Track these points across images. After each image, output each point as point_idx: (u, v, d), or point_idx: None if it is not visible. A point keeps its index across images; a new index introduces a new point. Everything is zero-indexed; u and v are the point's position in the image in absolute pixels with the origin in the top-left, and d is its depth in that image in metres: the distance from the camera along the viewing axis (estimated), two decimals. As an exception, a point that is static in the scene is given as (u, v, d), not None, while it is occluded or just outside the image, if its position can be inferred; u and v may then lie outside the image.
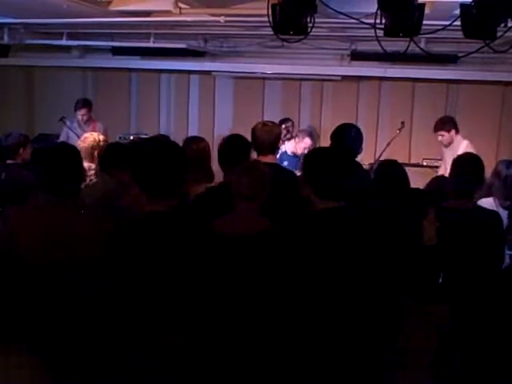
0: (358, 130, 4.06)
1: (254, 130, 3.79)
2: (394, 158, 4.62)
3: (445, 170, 6.01)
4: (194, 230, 2.24)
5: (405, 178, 3.66)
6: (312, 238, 2.47)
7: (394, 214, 3.13)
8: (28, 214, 2.93)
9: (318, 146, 7.47)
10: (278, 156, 4.41)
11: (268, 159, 3.67)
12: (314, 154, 2.82)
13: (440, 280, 3.03)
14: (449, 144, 5.99)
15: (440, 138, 5.96)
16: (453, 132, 5.93)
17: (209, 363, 2.07)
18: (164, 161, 2.24)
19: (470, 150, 5.85)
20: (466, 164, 3.41)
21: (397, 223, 3.01)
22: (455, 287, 3.00)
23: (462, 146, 5.91)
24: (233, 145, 3.70)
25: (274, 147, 3.78)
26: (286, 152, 6.50)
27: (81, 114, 6.62)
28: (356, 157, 3.98)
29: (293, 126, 7.19)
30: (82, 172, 3.21)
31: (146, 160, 2.27)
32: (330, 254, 2.42)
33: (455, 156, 5.80)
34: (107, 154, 3.97)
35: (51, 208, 2.86)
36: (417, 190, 3.92)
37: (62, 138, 6.64)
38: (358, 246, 2.46)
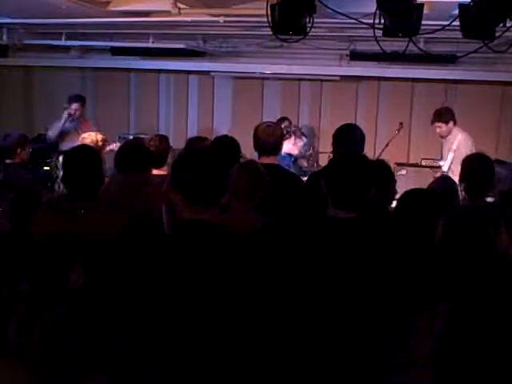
0: (361, 130, 4.06)
1: (256, 131, 3.77)
2: (393, 158, 4.64)
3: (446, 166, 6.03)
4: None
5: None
6: (318, 243, 2.47)
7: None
8: (46, 215, 2.96)
9: (315, 146, 7.51)
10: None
11: (269, 160, 3.66)
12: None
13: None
14: (446, 136, 5.99)
15: (438, 129, 5.96)
16: (451, 124, 5.92)
17: (210, 365, 2.07)
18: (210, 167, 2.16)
19: (465, 144, 5.89)
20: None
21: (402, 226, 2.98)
22: (458, 286, 2.98)
23: (457, 140, 5.91)
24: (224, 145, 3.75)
25: (275, 148, 3.77)
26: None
27: (73, 108, 6.47)
28: (358, 157, 3.98)
29: (290, 125, 7.20)
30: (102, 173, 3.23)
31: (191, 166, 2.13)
32: (332, 258, 2.42)
33: (451, 150, 5.89)
34: (122, 154, 3.92)
35: (70, 208, 2.90)
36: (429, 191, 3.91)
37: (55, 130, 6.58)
38: (363, 252, 2.46)
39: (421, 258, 2.74)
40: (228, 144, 3.91)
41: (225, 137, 4.17)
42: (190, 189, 2.09)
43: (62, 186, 3.93)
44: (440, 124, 5.92)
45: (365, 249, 2.46)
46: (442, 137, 6.01)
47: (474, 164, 3.51)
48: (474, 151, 5.71)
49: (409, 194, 3.09)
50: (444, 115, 5.93)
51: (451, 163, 5.82)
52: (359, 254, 2.44)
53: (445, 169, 5.86)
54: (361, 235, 2.50)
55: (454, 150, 5.87)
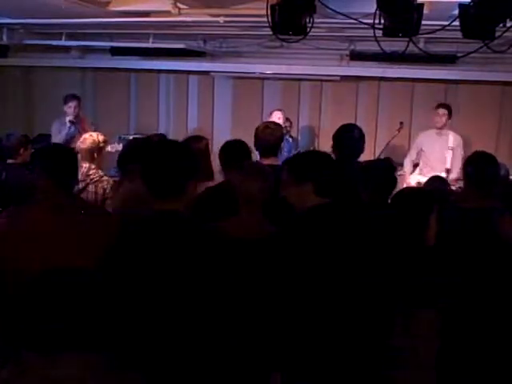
0: (361, 130, 4.06)
1: (256, 132, 3.79)
2: (393, 158, 4.64)
3: (405, 157, 6.29)
4: (201, 230, 2.21)
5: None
6: (309, 234, 2.47)
7: (395, 213, 3.11)
8: (22, 215, 2.90)
9: (317, 146, 7.51)
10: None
11: (270, 161, 3.67)
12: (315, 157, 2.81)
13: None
14: (441, 126, 6.16)
15: (438, 118, 6.15)
16: (449, 118, 6.17)
17: (210, 365, 2.07)
18: (172, 158, 2.20)
19: (460, 141, 6.11)
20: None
21: (397, 222, 2.99)
22: (459, 287, 2.97)
23: (452, 137, 6.11)
24: (234, 149, 3.71)
25: (276, 149, 3.78)
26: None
27: (72, 106, 6.43)
28: (359, 157, 3.98)
29: (291, 126, 7.22)
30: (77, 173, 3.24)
31: (155, 157, 2.21)
32: (328, 252, 2.42)
33: (447, 147, 6.01)
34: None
35: (51, 209, 2.86)
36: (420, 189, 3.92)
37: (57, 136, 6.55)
38: (359, 243, 2.47)
39: (412, 253, 2.76)
40: (238, 147, 3.86)
41: (234, 141, 4.09)
42: (150, 181, 2.16)
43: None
44: (444, 111, 6.12)
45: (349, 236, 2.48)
46: (438, 127, 6.18)
47: (479, 164, 3.42)
48: None
49: (401, 191, 3.15)
50: (448, 106, 6.21)
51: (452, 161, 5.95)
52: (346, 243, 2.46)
53: (448, 166, 5.95)
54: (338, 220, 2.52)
55: (453, 148, 5.99)
